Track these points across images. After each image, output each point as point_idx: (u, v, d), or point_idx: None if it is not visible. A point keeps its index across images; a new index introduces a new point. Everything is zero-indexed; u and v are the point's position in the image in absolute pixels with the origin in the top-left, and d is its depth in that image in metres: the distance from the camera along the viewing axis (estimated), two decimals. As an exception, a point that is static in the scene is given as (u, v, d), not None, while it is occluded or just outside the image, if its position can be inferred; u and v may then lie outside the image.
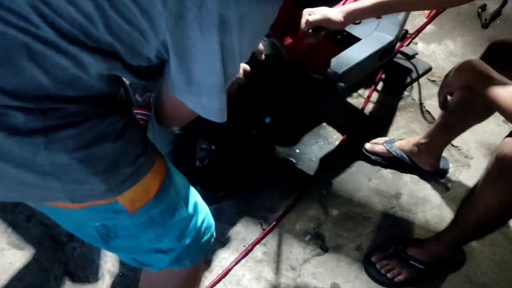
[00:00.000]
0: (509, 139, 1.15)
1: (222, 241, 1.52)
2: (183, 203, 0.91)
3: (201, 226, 0.96)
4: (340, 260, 1.51)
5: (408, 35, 2.18)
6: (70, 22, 0.64)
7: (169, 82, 0.76)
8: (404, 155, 1.69)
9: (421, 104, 1.96)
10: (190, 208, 0.93)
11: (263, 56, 1.25)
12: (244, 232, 1.55)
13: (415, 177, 1.72)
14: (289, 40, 1.69)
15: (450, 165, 1.74)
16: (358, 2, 1.34)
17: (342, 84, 1.48)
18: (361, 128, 1.86)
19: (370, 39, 1.55)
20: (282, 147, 1.79)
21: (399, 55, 2.03)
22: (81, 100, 0.71)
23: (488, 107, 1.32)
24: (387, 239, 1.55)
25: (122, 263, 1.45)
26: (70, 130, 0.70)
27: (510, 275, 1.49)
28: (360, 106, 1.92)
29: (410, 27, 2.23)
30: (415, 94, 1.99)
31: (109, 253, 1.47)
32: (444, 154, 1.69)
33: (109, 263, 1.46)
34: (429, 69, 2.08)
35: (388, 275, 1.45)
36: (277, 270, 1.48)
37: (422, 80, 2.04)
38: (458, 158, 1.78)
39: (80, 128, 0.71)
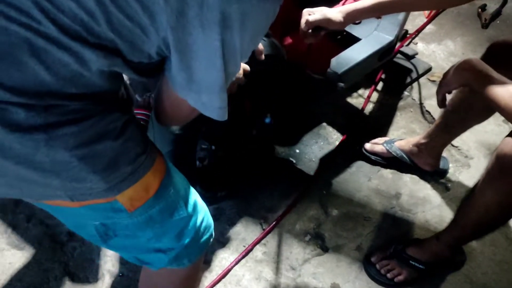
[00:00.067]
0: (509, 138, 1.15)
1: (222, 241, 1.52)
2: (183, 202, 0.91)
3: (200, 225, 0.96)
4: (340, 260, 1.51)
5: (408, 35, 2.18)
6: (72, 18, 0.65)
7: (169, 80, 0.76)
8: (404, 155, 1.69)
9: (421, 104, 1.96)
10: (190, 208, 0.93)
11: (263, 56, 1.25)
12: (244, 232, 1.55)
13: (415, 177, 1.72)
14: (289, 40, 1.69)
15: (450, 165, 1.74)
16: (358, 2, 1.34)
17: (342, 84, 1.48)
18: (361, 128, 1.86)
19: (370, 39, 1.55)
20: (282, 147, 1.79)
21: (399, 55, 2.03)
22: (83, 97, 0.71)
23: (488, 108, 1.32)
24: (387, 239, 1.55)
25: (122, 263, 1.45)
26: (71, 127, 0.70)
27: (510, 275, 1.49)
28: (360, 106, 1.92)
29: (410, 27, 2.23)
30: (415, 94, 1.99)
31: (109, 253, 1.47)
32: (444, 154, 1.69)
33: (109, 263, 1.46)
34: (429, 69, 2.08)
35: (388, 275, 1.45)
36: (277, 270, 1.47)
37: (422, 80, 2.04)
38: (458, 158, 1.78)
39: (81, 126, 0.71)
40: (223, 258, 1.48)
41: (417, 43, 2.21)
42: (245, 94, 1.40)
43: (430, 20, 2.31)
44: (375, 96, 1.97)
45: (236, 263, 1.47)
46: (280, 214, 1.58)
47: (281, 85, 1.62)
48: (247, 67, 1.14)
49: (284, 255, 1.51)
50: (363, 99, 1.95)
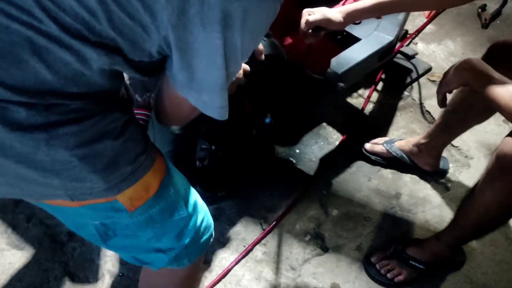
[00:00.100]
0: (509, 138, 1.15)
1: (222, 241, 1.52)
2: (183, 202, 0.91)
3: (200, 225, 0.96)
4: (340, 260, 1.51)
5: (408, 35, 2.18)
6: (73, 16, 0.64)
7: (170, 78, 0.76)
8: (404, 155, 1.69)
9: (421, 104, 1.96)
10: (190, 208, 0.93)
11: (263, 56, 1.25)
12: (244, 232, 1.55)
13: (415, 177, 1.72)
14: (289, 40, 1.69)
15: (450, 165, 1.74)
16: (358, 3, 1.34)
17: (342, 84, 1.48)
18: (361, 128, 1.86)
19: (370, 39, 1.55)
20: (282, 147, 1.79)
21: (399, 55, 2.03)
22: (84, 96, 0.71)
23: (488, 108, 1.32)
24: (387, 239, 1.55)
25: (122, 263, 1.45)
26: (72, 126, 0.70)
27: (510, 275, 1.49)
28: (360, 106, 1.92)
29: (410, 27, 2.23)
30: (415, 94, 1.99)
31: (109, 253, 1.47)
32: (444, 154, 1.69)
33: (109, 263, 1.46)
34: (429, 69, 2.08)
35: (388, 275, 1.45)
36: (277, 270, 1.47)
37: (422, 80, 2.04)
38: (458, 158, 1.78)
39: (82, 125, 0.71)
40: (223, 258, 1.48)
41: (417, 43, 2.21)
42: (245, 94, 1.40)
43: (430, 20, 2.31)
44: (375, 96, 1.97)
45: (236, 263, 1.47)
46: (280, 214, 1.58)
47: (281, 85, 1.62)
48: (247, 67, 1.14)
49: (284, 255, 1.51)
50: (363, 99, 1.95)
